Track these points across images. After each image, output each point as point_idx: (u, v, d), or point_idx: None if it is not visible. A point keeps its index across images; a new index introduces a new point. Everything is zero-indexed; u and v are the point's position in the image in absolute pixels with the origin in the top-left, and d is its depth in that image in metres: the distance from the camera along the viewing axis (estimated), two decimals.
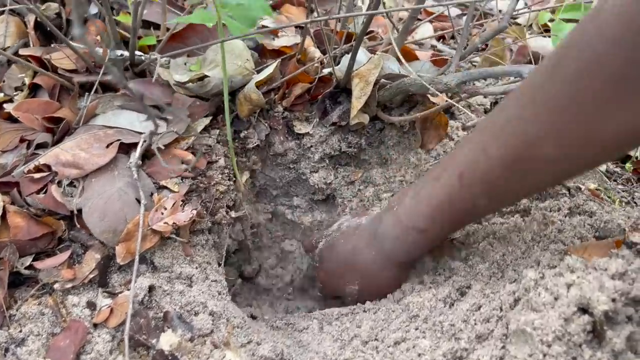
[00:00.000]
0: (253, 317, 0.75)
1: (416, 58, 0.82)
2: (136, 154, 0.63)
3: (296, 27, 0.99)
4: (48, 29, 0.71)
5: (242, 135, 0.79)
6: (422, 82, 0.64)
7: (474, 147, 0.50)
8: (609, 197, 0.71)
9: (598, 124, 0.42)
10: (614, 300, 0.43)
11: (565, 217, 0.65)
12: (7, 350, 0.50)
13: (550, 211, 0.68)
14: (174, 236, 0.63)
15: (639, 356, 0.43)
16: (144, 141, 0.63)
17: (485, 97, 0.80)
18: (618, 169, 0.79)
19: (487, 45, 0.94)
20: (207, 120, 0.73)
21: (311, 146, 0.82)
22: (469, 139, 0.54)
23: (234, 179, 0.75)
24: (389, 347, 0.53)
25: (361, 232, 0.67)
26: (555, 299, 0.46)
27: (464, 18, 1.03)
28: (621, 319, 0.44)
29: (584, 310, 0.44)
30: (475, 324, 0.52)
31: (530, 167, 0.47)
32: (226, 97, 0.63)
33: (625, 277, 0.46)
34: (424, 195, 0.56)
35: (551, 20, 0.81)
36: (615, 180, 0.77)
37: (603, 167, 0.75)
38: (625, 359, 0.42)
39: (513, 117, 0.47)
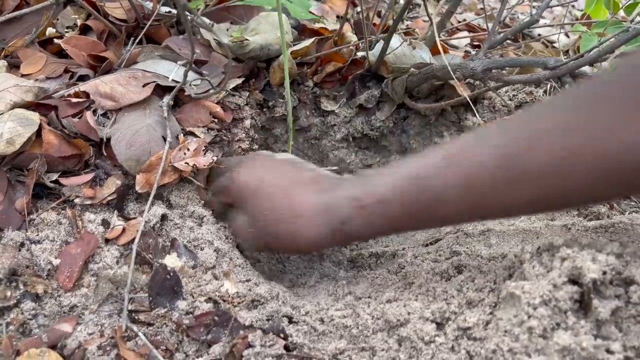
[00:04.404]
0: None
1: (447, 52, 0.85)
2: (169, 95, 0.67)
3: (337, 16, 1.03)
4: None
5: (270, 104, 0.83)
6: (448, 67, 0.66)
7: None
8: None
9: None
10: (604, 273, 0.44)
11: (574, 217, 0.66)
12: (22, 245, 0.53)
13: (558, 212, 0.69)
14: (192, 179, 0.66)
15: (623, 333, 0.44)
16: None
17: (510, 99, 0.81)
18: None
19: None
20: (239, 81, 0.76)
21: (335, 125, 0.85)
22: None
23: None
24: (380, 304, 0.55)
25: (310, 173, 0.58)
26: (548, 271, 0.47)
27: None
28: (609, 295, 0.44)
29: (574, 282, 0.45)
30: (468, 291, 0.53)
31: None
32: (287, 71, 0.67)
33: (620, 259, 0.47)
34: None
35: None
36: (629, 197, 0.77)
37: None
38: (609, 331, 0.43)
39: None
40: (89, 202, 0.59)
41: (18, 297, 0.49)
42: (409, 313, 0.52)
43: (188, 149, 0.65)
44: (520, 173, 0.45)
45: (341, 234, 0.54)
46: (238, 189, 0.60)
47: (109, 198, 0.60)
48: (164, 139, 0.64)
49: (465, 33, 1.07)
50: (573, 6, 1.58)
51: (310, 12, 0.86)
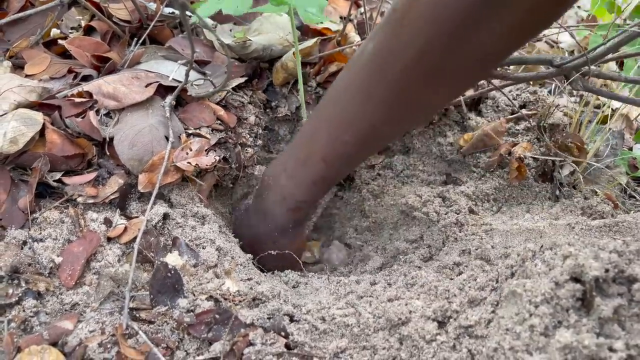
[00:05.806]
0: None
1: None
2: (171, 95, 0.67)
3: (341, 17, 1.03)
4: None
5: (273, 104, 0.83)
6: None
7: (329, 136, 0.61)
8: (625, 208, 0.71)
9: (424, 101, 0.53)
10: (607, 270, 0.44)
11: (578, 216, 0.66)
12: (25, 243, 0.53)
13: (562, 212, 0.69)
14: (195, 178, 0.66)
15: (626, 332, 0.43)
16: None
17: (514, 98, 0.81)
18: (639, 188, 0.79)
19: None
20: (241, 80, 0.76)
21: None
22: (319, 130, 0.63)
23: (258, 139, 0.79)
24: (382, 302, 0.55)
25: (254, 211, 0.73)
26: (550, 269, 0.47)
27: None
28: (612, 292, 0.44)
29: (576, 280, 0.45)
30: (470, 290, 0.53)
31: (376, 142, 0.63)
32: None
33: (623, 257, 0.46)
34: (299, 177, 0.66)
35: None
36: (634, 197, 0.76)
37: (624, 180, 0.75)
38: (611, 330, 0.43)
39: (357, 111, 0.57)
40: (91, 201, 0.59)
41: (20, 294, 0.49)
42: (410, 312, 0.52)
43: (190, 149, 0.65)
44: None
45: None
46: None
47: (112, 197, 0.61)
48: (167, 139, 0.64)
49: None
50: (579, 7, 1.57)
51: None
